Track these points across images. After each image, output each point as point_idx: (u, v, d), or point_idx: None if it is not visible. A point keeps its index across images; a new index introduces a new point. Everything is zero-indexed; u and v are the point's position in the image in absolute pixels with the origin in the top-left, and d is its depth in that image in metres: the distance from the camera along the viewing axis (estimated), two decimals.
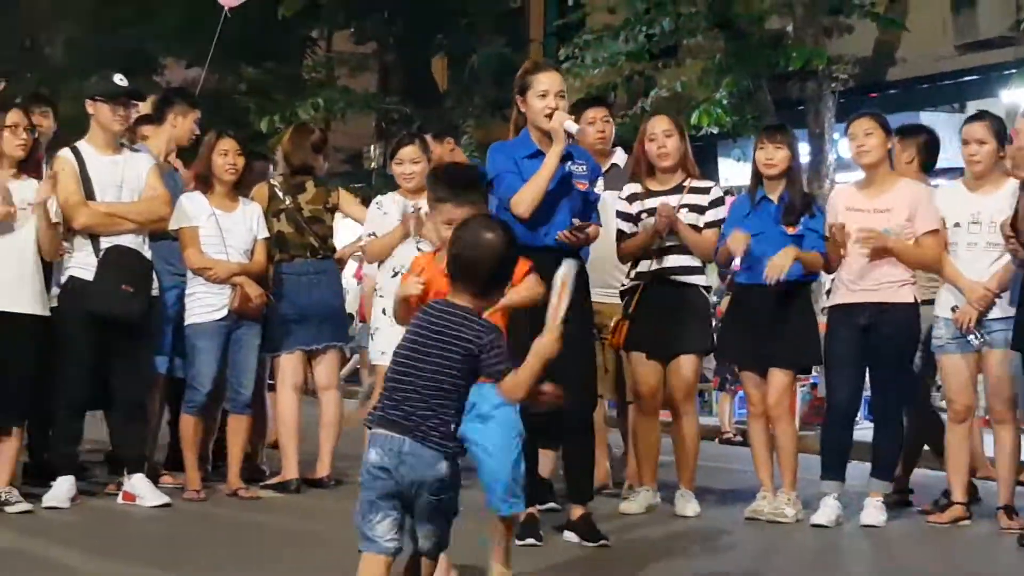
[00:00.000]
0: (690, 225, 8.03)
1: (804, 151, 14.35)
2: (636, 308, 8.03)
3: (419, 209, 8.54)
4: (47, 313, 7.97)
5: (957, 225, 7.95)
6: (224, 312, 8.58)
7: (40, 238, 7.88)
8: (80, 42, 24.54)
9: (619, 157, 8.93)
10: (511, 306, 5.38)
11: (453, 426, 4.53)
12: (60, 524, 7.64)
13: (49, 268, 8.13)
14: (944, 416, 8.29)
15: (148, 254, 8.28)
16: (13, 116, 7.94)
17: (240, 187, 8.89)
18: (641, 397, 8.25)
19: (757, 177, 8.19)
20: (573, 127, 7.05)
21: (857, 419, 8.42)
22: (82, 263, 8.09)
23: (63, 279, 8.12)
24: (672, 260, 8.06)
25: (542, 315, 4.67)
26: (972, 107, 14.11)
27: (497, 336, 4.55)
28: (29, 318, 7.86)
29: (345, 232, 10.38)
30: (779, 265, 7.77)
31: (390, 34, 21.51)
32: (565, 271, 4.65)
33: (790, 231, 7.94)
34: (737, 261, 8.23)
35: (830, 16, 15.40)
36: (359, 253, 9.67)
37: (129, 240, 8.17)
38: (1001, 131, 8.01)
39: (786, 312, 7.98)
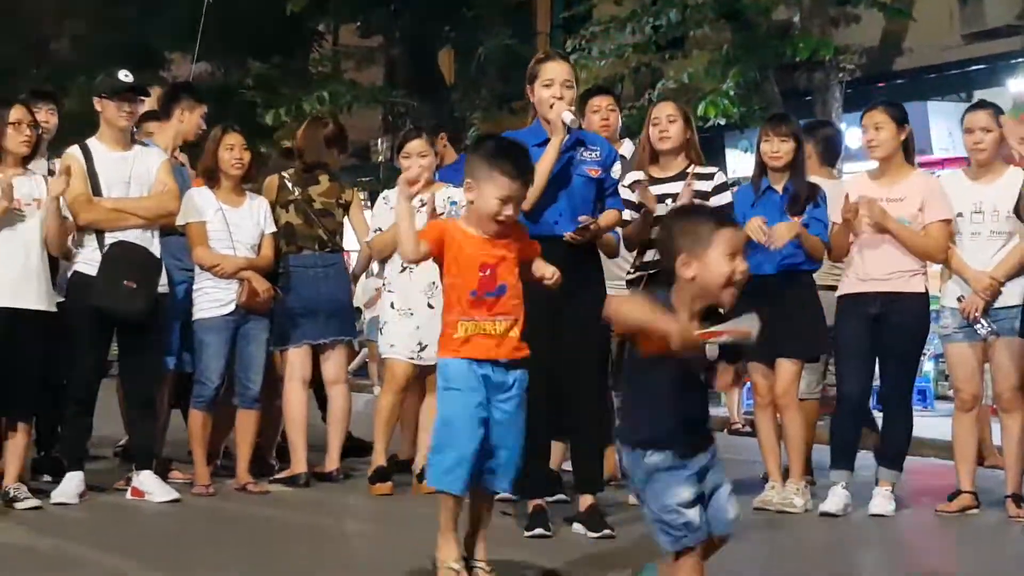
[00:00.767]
0: None
1: None
2: None
3: (423, 205, 8.56)
4: (53, 309, 7.98)
5: (960, 215, 7.96)
6: (232, 307, 8.59)
7: (49, 233, 7.89)
8: (86, 38, 24.54)
9: (626, 148, 8.92)
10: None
11: None
12: (69, 520, 7.65)
13: (56, 264, 8.15)
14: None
15: (157, 250, 8.28)
16: (17, 112, 7.94)
17: (247, 181, 8.91)
18: None
19: (761, 168, 8.20)
20: (568, 117, 7.05)
21: (867, 409, 8.42)
22: (87, 259, 8.10)
23: (69, 274, 8.13)
24: None
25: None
26: (979, 96, 14.10)
27: None
28: (36, 314, 7.86)
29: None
30: (783, 233, 7.78)
31: (396, 27, 21.47)
32: (749, 327, 4.52)
33: (795, 221, 7.94)
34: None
35: (837, 6, 15.37)
36: None
37: (135, 236, 8.17)
38: None
39: (792, 301, 7.98)
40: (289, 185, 9.10)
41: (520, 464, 5.74)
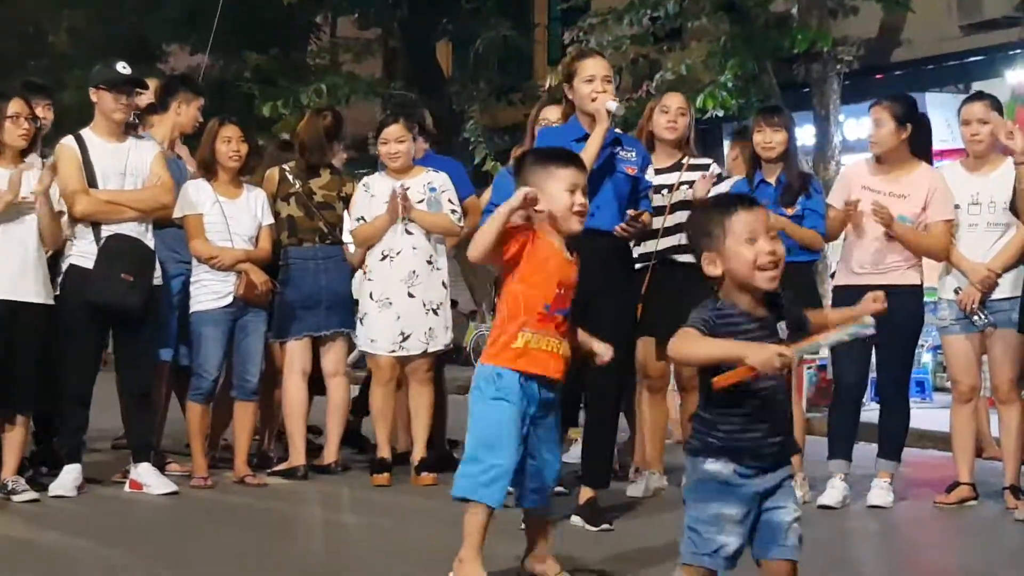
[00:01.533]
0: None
1: (810, 133, 14.38)
2: (646, 290, 8.02)
3: (406, 189, 8.56)
4: (51, 302, 7.98)
5: (957, 206, 7.95)
6: (229, 299, 8.59)
7: (42, 228, 7.89)
8: (84, 30, 24.53)
9: None
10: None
11: None
12: (67, 513, 7.65)
13: (55, 256, 8.14)
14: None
15: (151, 243, 8.27)
16: (15, 106, 7.92)
17: (244, 174, 8.91)
18: (649, 379, 8.26)
19: (755, 160, 8.20)
20: (614, 105, 7.09)
21: (864, 400, 8.42)
22: (83, 251, 8.09)
23: (64, 267, 8.12)
24: (677, 239, 8.06)
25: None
26: (977, 88, 14.09)
27: None
28: (33, 307, 7.85)
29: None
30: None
31: (394, 19, 21.46)
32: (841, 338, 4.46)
33: (788, 212, 7.94)
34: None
35: None
36: None
37: (131, 228, 8.15)
38: (1000, 111, 8.01)
39: (790, 292, 7.97)
40: (290, 178, 9.10)
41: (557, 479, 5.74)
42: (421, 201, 8.71)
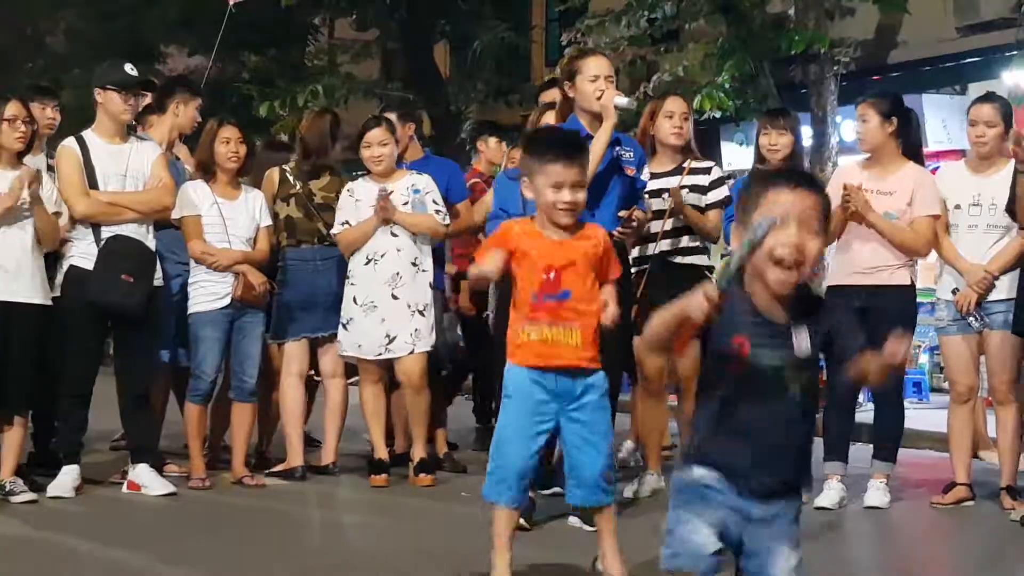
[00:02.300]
0: (692, 206, 8.06)
1: (807, 134, 14.34)
2: (643, 291, 8.03)
3: (390, 192, 8.56)
4: (48, 302, 7.98)
5: (958, 207, 7.96)
6: (227, 300, 8.59)
7: (38, 228, 7.89)
8: (81, 31, 24.51)
9: None
10: None
11: None
12: (65, 514, 7.66)
13: (53, 256, 8.15)
14: None
15: (152, 244, 8.28)
16: (12, 108, 7.92)
17: (243, 175, 8.91)
18: (647, 380, 8.27)
19: (760, 161, 8.21)
20: (622, 101, 7.10)
21: (860, 402, 8.43)
22: (83, 252, 8.10)
23: (64, 268, 8.13)
24: (676, 242, 8.08)
25: None
26: (973, 89, 14.11)
27: None
28: (31, 307, 7.86)
29: None
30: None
31: (392, 21, 21.45)
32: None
33: None
34: None
35: None
36: None
37: (131, 229, 8.16)
38: (1008, 114, 8.02)
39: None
40: (290, 179, 9.10)
41: (605, 473, 5.60)
42: (405, 203, 8.68)
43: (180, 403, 8.98)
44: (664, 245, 8.07)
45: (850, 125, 14.92)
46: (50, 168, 8.36)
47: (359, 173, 9.08)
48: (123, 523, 7.48)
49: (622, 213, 7.11)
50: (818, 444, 8.18)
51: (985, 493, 8.06)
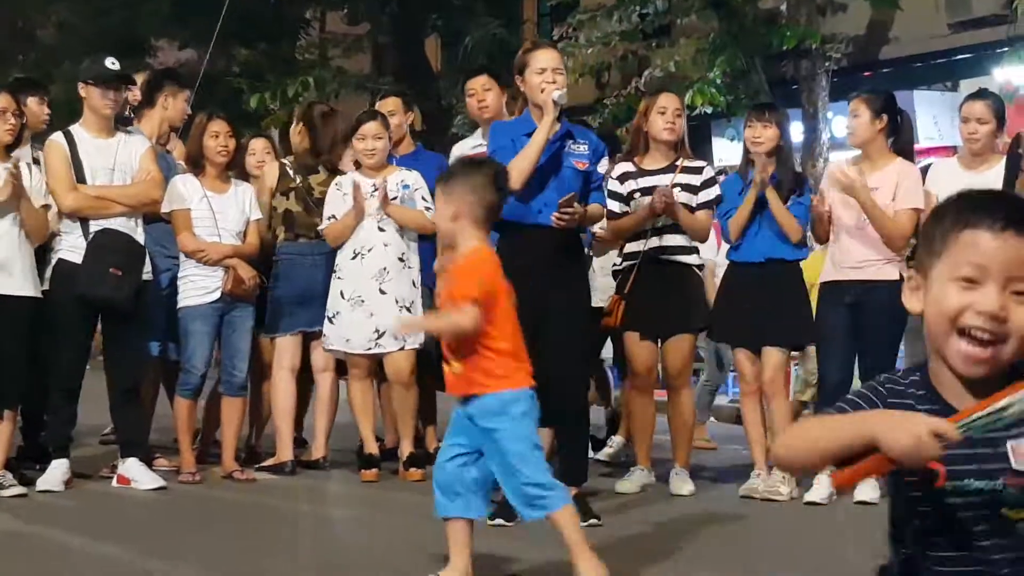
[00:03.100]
0: (683, 205, 8.05)
1: (798, 130, 14.38)
2: (631, 288, 8.03)
3: (378, 188, 8.54)
4: (38, 295, 7.97)
5: None
6: (217, 294, 8.58)
7: (25, 222, 7.87)
8: (72, 24, 24.48)
9: None
10: None
11: None
12: (55, 508, 7.64)
13: (42, 249, 8.13)
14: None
15: (141, 237, 8.27)
16: (2, 101, 7.91)
17: (233, 168, 8.90)
18: (636, 376, 8.26)
19: (748, 157, 8.22)
20: (557, 95, 7.04)
21: None
22: (71, 246, 8.09)
23: (53, 262, 8.11)
24: (665, 240, 8.07)
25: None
26: (964, 85, 14.14)
27: None
28: (20, 300, 7.85)
29: None
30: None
31: (384, 15, 21.45)
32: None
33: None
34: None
35: None
36: None
37: (120, 223, 8.15)
38: (1000, 110, 8.02)
39: (779, 290, 8.02)
40: (291, 173, 9.10)
41: (491, 488, 5.62)
42: (395, 199, 8.69)
43: (170, 397, 8.97)
44: (655, 242, 8.06)
45: (841, 121, 14.91)
46: (36, 161, 8.33)
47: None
48: (113, 517, 7.46)
49: (561, 200, 7.00)
50: None
51: None
